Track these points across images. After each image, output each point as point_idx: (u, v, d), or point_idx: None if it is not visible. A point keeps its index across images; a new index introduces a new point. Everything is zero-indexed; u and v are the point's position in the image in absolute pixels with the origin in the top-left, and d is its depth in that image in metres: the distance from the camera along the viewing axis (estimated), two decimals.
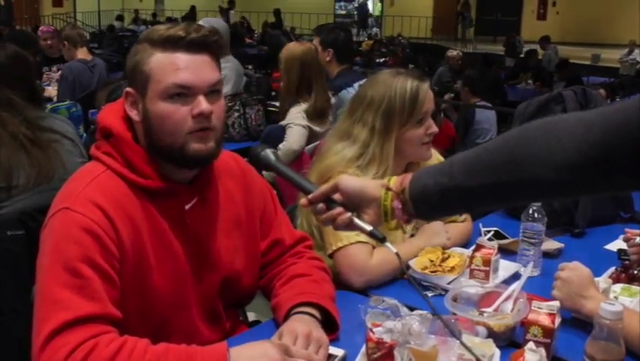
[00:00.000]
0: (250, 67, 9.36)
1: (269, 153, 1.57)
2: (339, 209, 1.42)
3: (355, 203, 1.42)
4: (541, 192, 1.21)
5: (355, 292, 1.93)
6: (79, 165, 2.20)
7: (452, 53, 10.91)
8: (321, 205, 1.45)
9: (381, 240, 1.40)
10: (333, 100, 4.12)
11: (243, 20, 20.68)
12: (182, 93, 1.51)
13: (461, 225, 2.32)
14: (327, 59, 4.29)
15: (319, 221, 1.49)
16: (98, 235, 1.43)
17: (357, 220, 1.41)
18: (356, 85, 4.18)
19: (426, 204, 1.30)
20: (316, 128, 3.93)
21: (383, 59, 13.30)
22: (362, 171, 2.06)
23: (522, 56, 13.18)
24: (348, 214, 1.41)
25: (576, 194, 1.34)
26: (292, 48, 4.04)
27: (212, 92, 1.55)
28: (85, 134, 3.96)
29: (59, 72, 5.82)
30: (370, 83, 2.17)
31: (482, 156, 1.23)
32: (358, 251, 1.97)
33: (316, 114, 3.91)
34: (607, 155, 1.05)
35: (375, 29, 24.63)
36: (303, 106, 3.90)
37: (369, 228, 1.40)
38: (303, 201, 1.49)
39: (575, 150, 1.07)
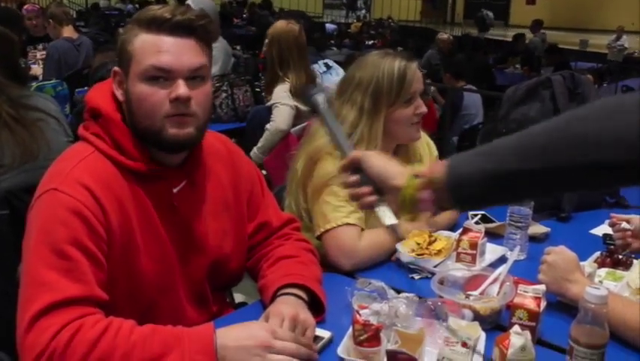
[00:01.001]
0: (238, 47, 9.28)
1: (320, 97, 1.51)
2: (365, 188, 1.36)
3: (377, 185, 1.36)
4: (615, 176, 1.08)
5: (342, 274, 1.94)
6: (64, 144, 2.18)
7: (443, 36, 10.90)
8: (354, 178, 1.39)
9: (398, 238, 1.34)
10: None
11: (232, 0, 20.49)
12: (162, 76, 1.48)
13: None
14: None
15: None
16: (86, 216, 1.42)
17: (379, 208, 1.34)
18: (320, 62, 4.37)
19: (467, 193, 1.19)
20: (303, 108, 3.95)
21: (372, 41, 13.24)
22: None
23: (510, 40, 13.16)
24: (373, 197, 1.35)
25: None
26: (277, 26, 4.09)
27: (195, 77, 1.52)
28: (70, 114, 3.92)
29: (44, 51, 5.75)
30: (358, 65, 2.16)
31: (538, 138, 1.12)
32: (347, 233, 1.97)
33: (299, 94, 3.94)
34: None
35: (364, 11, 24.52)
36: (288, 84, 3.91)
37: (389, 221, 1.34)
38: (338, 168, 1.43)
39: None
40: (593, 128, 1.05)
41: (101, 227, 1.44)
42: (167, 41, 1.49)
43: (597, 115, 1.06)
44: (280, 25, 4.09)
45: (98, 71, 3.30)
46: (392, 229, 1.34)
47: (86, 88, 3.81)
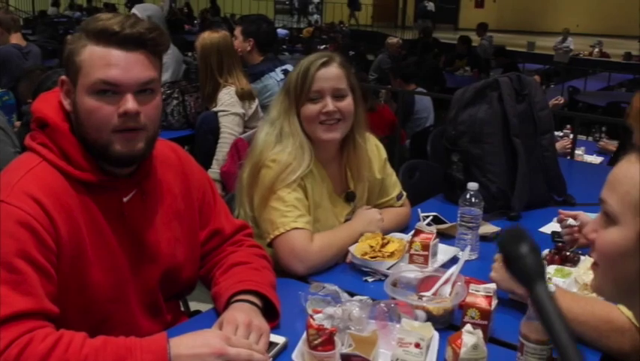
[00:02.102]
0: (189, 54, 9.22)
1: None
2: None
3: None
4: None
5: (296, 279, 1.94)
6: (12, 155, 2.14)
7: (392, 40, 11.01)
8: None
9: None
10: (254, 86, 4.18)
11: (184, 7, 20.36)
12: (109, 90, 1.46)
13: (397, 209, 2.36)
14: (248, 48, 4.37)
15: None
16: (35, 228, 1.39)
17: None
18: (278, 70, 4.28)
19: None
20: (249, 110, 4.00)
21: (323, 46, 13.29)
22: (282, 150, 2.07)
23: (455, 42, 13.34)
24: None
25: None
26: (208, 36, 4.07)
27: (144, 90, 1.50)
28: (16, 124, 3.84)
29: None
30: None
31: None
32: (297, 237, 1.97)
33: (245, 96, 3.96)
34: None
35: (316, 16, 24.60)
36: (231, 89, 3.90)
37: None
38: None
39: None
40: None
41: (50, 239, 1.42)
42: (116, 55, 1.46)
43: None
44: (211, 34, 4.08)
45: (44, 83, 3.24)
46: None
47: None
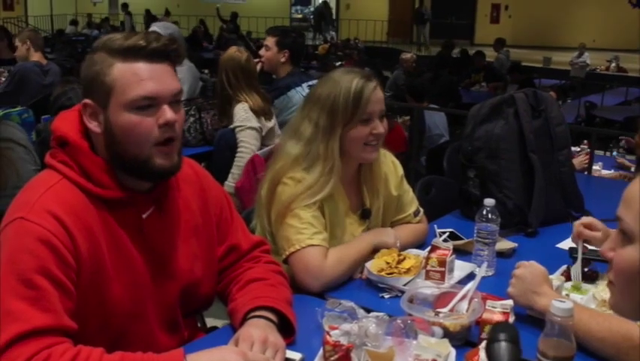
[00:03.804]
0: (206, 71, 9.29)
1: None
2: None
3: None
4: None
5: (312, 295, 1.94)
6: (32, 172, 2.16)
7: (406, 55, 10.98)
8: None
9: None
10: (277, 100, 4.20)
11: (201, 25, 20.52)
12: (148, 104, 1.49)
13: (414, 225, 2.35)
14: (282, 60, 4.37)
15: None
16: (54, 245, 1.41)
17: None
18: (305, 85, 4.27)
19: None
20: (266, 126, 4.01)
21: (339, 62, 13.34)
22: (307, 172, 2.06)
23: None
24: None
25: None
26: (233, 53, 4.13)
27: (176, 101, 1.54)
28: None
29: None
30: (321, 81, 2.18)
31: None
32: (312, 254, 1.97)
33: (260, 112, 3.98)
34: None
35: (331, 33, 24.71)
36: (246, 105, 3.93)
37: None
38: None
39: None
40: None
41: (70, 255, 1.43)
42: (147, 69, 1.50)
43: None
44: (237, 52, 4.13)
45: (58, 100, 3.28)
46: None
47: (49, 116, 3.79)
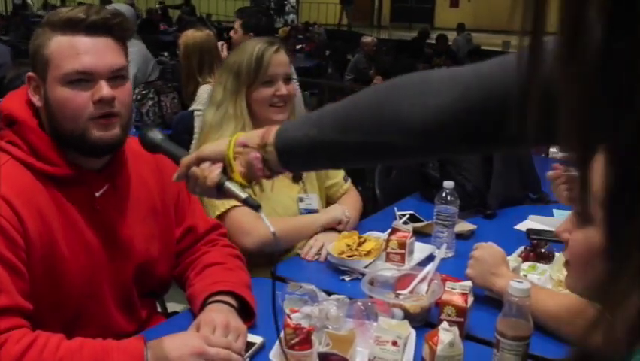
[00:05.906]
0: (166, 54, 9.16)
1: (156, 132, 1.36)
2: (206, 164, 1.21)
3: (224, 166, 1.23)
4: (406, 155, 1.21)
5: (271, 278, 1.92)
6: None
7: (367, 39, 10.95)
8: (204, 165, 1.23)
9: (255, 208, 1.24)
10: None
11: (160, 6, 20.19)
12: (83, 79, 1.46)
13: (352, 198, 2.42)
14: None
15: (189, 190, 1.27)
16: (3, 226, 1.38)
17: (228, 183, 1.19)
18: None
19: (294, 156, 1.17)
20: None
21: (300, 45, 13.29)
22: (218, 129, 2.13)
23: (433, 41, 13.41)
24: (217, 172, 1.19)
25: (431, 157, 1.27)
26: (191, 35, 4.10)
27: (116, 77, 1.51)
28: None
29: None
30: (233, 51, 2.30)
31: (351, 112, 1.13)
32: (240, 212, 2.01)
33: None
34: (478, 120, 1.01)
35: (292, 16, 24.56)
36: (210, 87, 3.89)
37: (243, 195, 1.20)
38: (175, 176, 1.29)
39: (444, 112, 1.03)
40: (396, 109, 1.07)
41: (19, 236, 1.40)
42: (85, 42, 1.47)
43: (405, 93, 1.10)
44: (195, 33, 4.10)
45: (12, 83, 3.20)
46: (246, 201, 1.22)
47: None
